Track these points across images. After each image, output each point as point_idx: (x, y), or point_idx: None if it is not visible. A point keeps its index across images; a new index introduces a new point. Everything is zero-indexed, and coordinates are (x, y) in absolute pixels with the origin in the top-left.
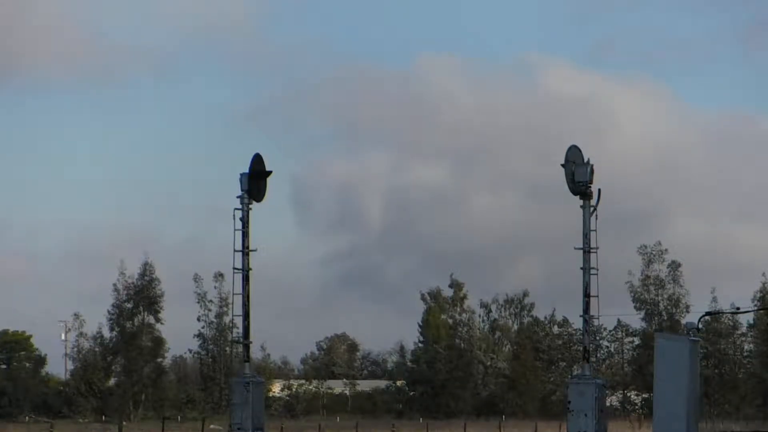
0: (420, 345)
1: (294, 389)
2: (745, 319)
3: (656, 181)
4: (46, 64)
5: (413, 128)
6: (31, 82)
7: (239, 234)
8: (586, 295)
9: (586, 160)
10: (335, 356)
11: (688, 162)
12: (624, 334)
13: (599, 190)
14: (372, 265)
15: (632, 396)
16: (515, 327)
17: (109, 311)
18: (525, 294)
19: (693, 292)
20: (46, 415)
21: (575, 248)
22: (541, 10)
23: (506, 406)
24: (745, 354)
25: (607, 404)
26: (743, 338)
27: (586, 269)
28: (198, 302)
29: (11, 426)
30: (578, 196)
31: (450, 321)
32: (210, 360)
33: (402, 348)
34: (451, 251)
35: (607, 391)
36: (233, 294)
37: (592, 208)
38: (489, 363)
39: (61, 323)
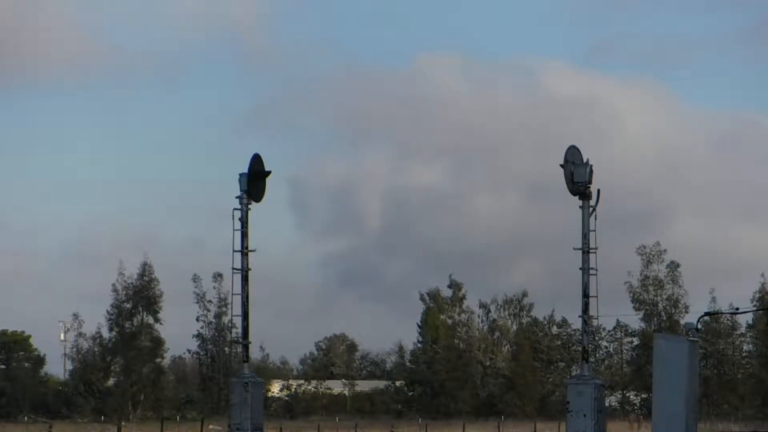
0: (419, 345)
1: (293, 389)
2: (744, 320)
3: (656, 182)
4: (47, 64)
5: (413, 128)
6: (32, 82)
7: (238, 234)
8: (585, 295)
9: (585, 160)
10: (334, 356)
11: (688, 162)
12: (623, 334)
13: (598, 190)
14: (371, 266)
15: (631, 396)
16: (514, 327)
17: (108, 311)
18: (524, 294)
19: (692, 292)
20: (44, 416)
21: (574, 249)
22: (542, 11)
23: (505, 406)
24: (744, 354)
25: (606, 404)
26: (742, 339)
27: (586, 269)
28: (197, 302)
29: (10, 426)
30: (577, 197)
31: (449, 321)
32: (209, 360)
33: (401, 348)
34: (451, 251)
35: (606, 392)
36: (232, 294)
37: (591, 209)
38: (488, 363)
39: (60, 323)
